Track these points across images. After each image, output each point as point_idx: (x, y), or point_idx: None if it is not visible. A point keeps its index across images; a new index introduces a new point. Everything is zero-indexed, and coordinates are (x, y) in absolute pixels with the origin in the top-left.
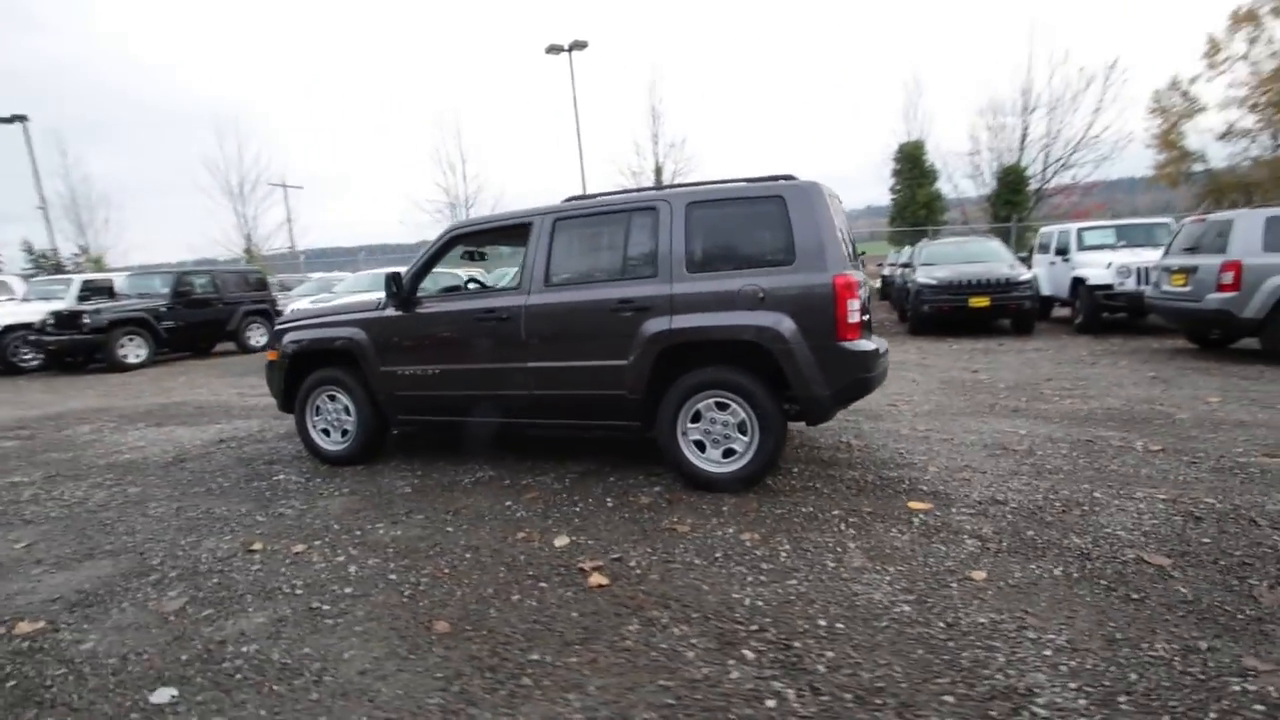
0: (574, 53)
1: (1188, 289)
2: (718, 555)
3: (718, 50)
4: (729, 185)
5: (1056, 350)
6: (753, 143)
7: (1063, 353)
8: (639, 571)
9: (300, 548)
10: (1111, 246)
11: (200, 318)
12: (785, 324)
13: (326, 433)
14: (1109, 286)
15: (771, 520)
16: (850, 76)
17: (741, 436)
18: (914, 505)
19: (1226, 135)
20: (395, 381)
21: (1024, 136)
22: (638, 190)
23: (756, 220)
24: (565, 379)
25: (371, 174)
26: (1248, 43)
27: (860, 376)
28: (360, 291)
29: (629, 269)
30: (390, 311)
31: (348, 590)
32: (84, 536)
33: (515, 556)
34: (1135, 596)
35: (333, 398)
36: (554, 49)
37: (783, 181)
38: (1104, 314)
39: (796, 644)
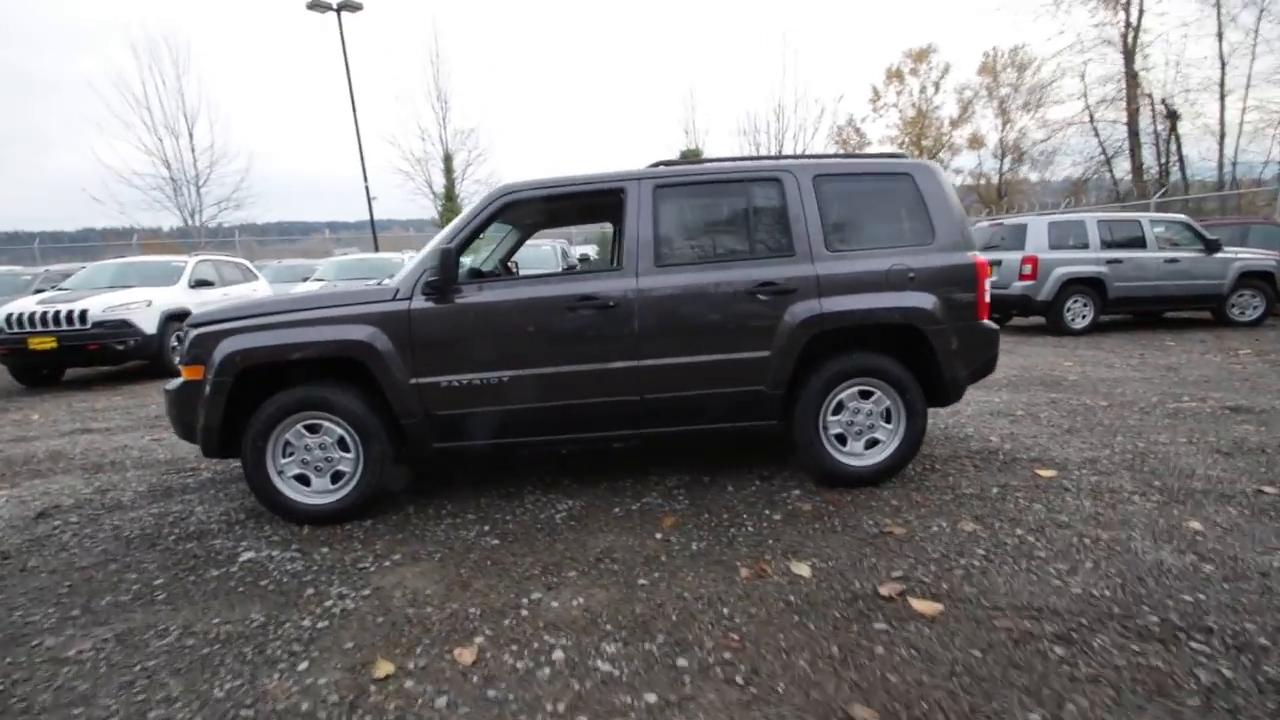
0: (344, 13)
1: (994, 279)
2: (979, 552)
3: (510, 43)
4: (850, 159)
5: None
6: (545, 139)
7: None
8: (947, 587)
9: (467, 655)
10: None
11: None
12: (937, 305)
13: (304, 480)
14: None
15: (954, 507)
16: (636, 82)
17: (885, 425)
18: (1042, 473)
19: None
20: (437, 397)
21: (780, 153)
22: (750, 158)
23: (888, 197)
24: (690, 377)
25: (27, 142)
26: (896, 94)
27: (992, 354)
28: (107, 288)
29: (758, 247)
30: (423, 303)
31: (650, 699)
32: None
33: (784, 600)
34: None
35: (313, 428)
36: (318, 6)
37: (908, 159)
38: None
39: (1210, 622)
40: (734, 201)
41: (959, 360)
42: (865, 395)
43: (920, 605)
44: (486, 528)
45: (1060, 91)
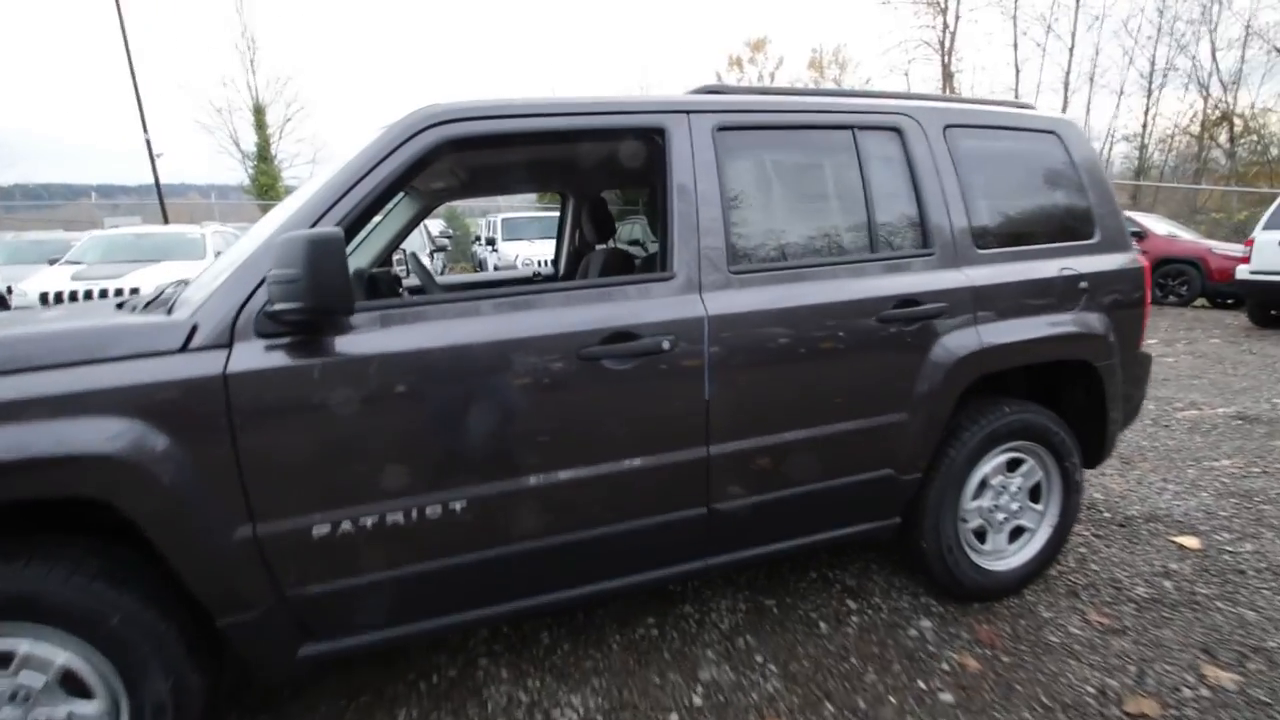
0: None
1: None
2: None
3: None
4: (979, 105)
5: None
6: (380, 98)
7: None
8: None
9: None
10: None
11: None
12: (1110, 328)
13: None
14: None
15: (1155, 629)
16: (480, 41)
17: (1034, 506)
18: (1184, 542)
19: None
20: (304, 558)
21: None
22: (848, 93)
23: (1033, 164)
24: (789, 467)
25: None
26: (738, 80)
27: (1144, 392)
28: None
29: (880, 239)
30: (262, 355)
31: None
32: None
33: None
34: None
35: None
36: None
37: (1045, 112)
38: None
39: None
40: (837, 162)
41: (1121, 405)
42: (1012, 466)
43: None
44: None
45: (890, 87)
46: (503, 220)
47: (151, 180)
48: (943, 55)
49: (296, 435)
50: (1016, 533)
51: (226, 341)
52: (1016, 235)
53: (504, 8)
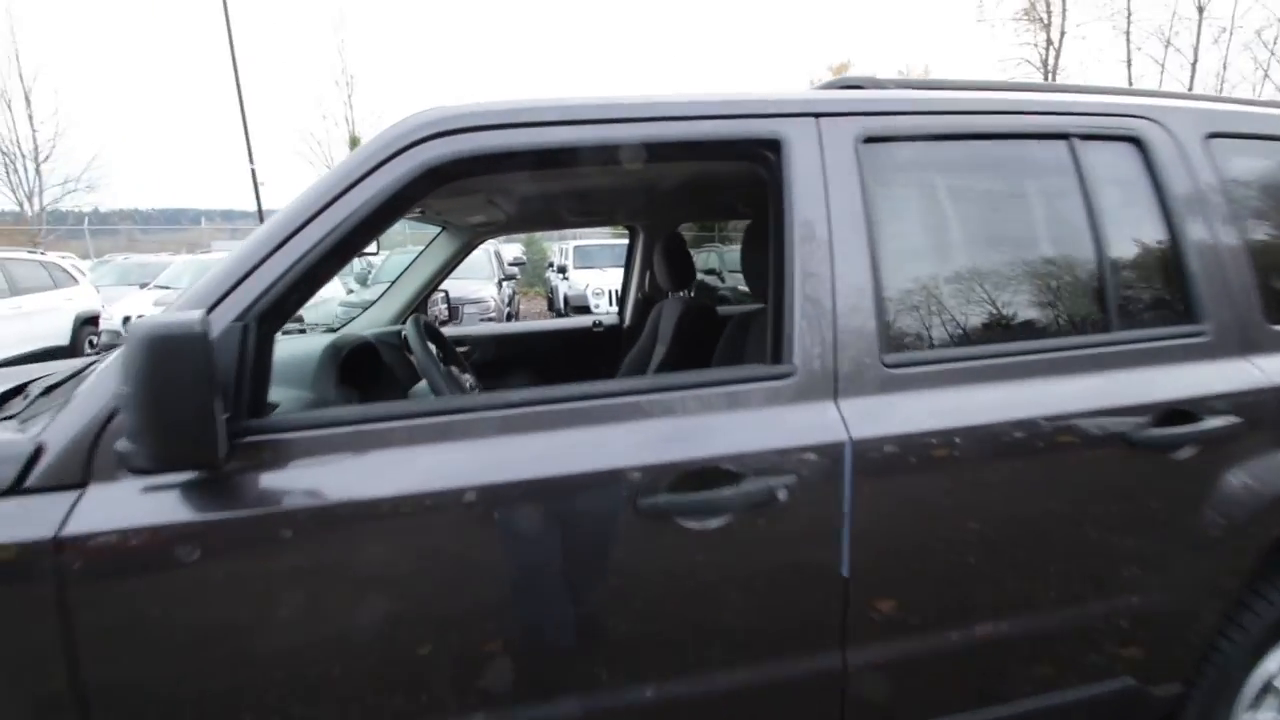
0: None
1: None
2: None
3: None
4: (1242, 106)
5: None
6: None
7: None
8: None
9: None
10: None
11: None
12: None
13: None
14: None
15: None
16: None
17: None
18: None
19: None
20: None
21: None
22: (1055, 88)
23: None
24: (970, 680)
25: None
26: None
27: None
28: None
29: (1120, 309)
30: (137, 505)
31: None
32: None
33: None
34: None
35: None
36: None
37: None
38: None
39: None
40: (1048, 188)
41: None
42: None
43: None
44: None
45: None
46: (574, 247)
47: (269, 205)
48: (1045, 73)
49: (177, 639)
50: None
51: (79, 478)
52: None
53: (583, 36)
